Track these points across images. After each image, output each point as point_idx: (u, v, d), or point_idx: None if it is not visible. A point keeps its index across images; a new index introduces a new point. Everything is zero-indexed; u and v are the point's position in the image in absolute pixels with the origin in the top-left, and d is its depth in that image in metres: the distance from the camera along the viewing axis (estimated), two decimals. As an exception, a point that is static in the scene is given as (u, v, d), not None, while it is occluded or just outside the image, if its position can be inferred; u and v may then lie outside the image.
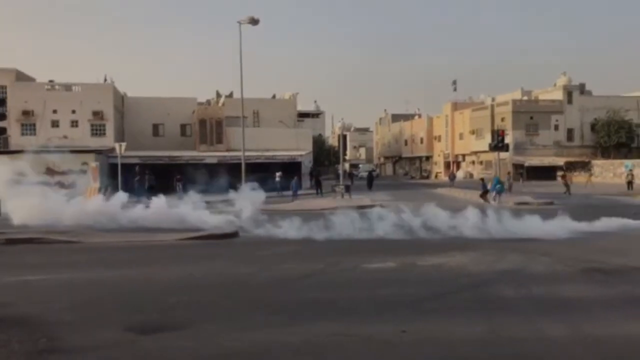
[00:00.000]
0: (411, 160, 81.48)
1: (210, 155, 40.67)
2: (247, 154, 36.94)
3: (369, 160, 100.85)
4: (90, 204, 18.11)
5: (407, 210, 16.70)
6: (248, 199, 18.12)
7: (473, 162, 64.55)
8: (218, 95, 53.20)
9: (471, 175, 62.43)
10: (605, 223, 15.46)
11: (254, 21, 36.01)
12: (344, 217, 16.26)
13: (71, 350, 6.07)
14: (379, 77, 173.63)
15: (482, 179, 30.75)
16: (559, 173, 44.90)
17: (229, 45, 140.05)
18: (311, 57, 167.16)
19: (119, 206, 17.49)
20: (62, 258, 11.93)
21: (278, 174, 36.90)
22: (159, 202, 17.52)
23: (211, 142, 43.40)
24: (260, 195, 19.36)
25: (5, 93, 38.87)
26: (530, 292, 8.44)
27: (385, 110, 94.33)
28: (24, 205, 17.00)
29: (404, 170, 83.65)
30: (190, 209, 16.94)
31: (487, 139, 59.24)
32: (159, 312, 7.55)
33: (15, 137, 39.07)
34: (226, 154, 40.49)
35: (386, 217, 16.67)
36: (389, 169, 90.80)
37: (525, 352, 5.86)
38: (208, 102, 53.34)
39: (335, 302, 7.92)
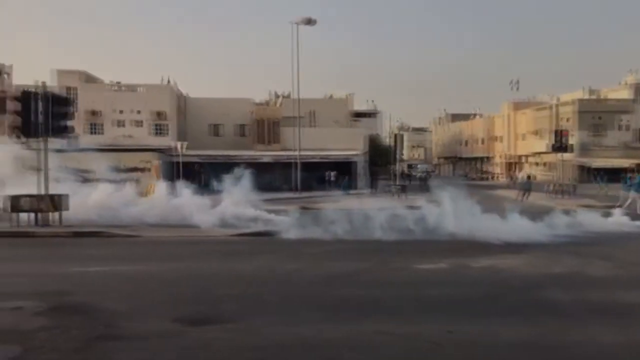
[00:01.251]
0: (470, 161, 79.78)
1: (267, 154, 41.29)
2: (301, 153, 37.35)
3: (426, 160, 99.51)
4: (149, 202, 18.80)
5: (464, 212, 16.37)
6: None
7: (536, 164, 62.46)
8: (275, 95, 53.95)
9: (533, 177, 60.48)
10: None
11: (309, 22, 36.35)
12: (395, 216, 16.15)
13: (124, 338, 6.34)
14: (437, 76, 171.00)
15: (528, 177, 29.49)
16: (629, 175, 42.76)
17: (287, 46, 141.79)
18: (368, 57, 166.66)
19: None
20: (121, 251, 12.47)
21: (332, 172, 37.07)
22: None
23: (267, 141, 44.08)
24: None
25: (75, 94, 40.98)
26: (585, 297, 8.13)
27: (444, 109, 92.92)
28: (90, 200, 17.89)
29: (462, 171, 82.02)
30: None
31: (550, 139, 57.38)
32: (207, 304, 7.77)
33: (84, 136, 41.06)
34: (281, 153, 41.00)
35: (439, 217, 16.43)
36: (447, 169, 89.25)
37: (575, 358, 5.65)
38: (266, 102, 54.18)
39: (381, 301, 7.89)
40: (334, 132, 45.74)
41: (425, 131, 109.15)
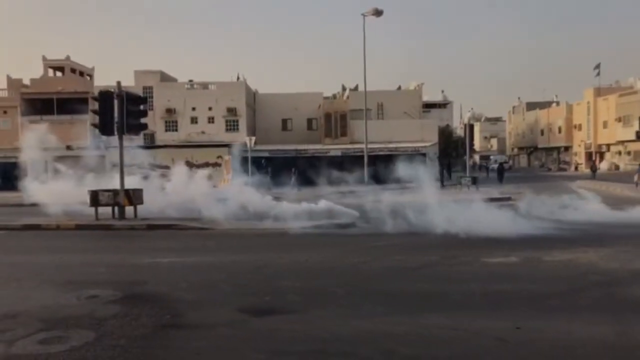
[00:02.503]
0: (548, 151, 76.29)
1: (335, 148, 41.39)
2: (370, 146, 37.11)
3: (501, 151, 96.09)
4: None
5: (539, 204, 15.71)
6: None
7: (619, 153, 58.81)
8: (343, 88, 53.86)
9: (617, 167, 56.94)
10: None
11: (377, 12, 35.96)
12: (466, 209, 15.68)
13: (190, 327, 6.53)
14: (512, 64, 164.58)
15: None
16: None
17: (356, 38, 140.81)
18: (439, 46, 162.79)
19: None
20: (193, 243, 12.86)
21: (401, 165, 36.50)
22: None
23: (336, 135, 44.14)
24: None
25: (152, 93, 42.82)
26: (671, 294, 7.52)
27: (519, 98, 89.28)
28: (165, 194, 18.63)
29: (539, 161, 78.56)
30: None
31: (636, 126, 53.71)
32: (272, 295, 7.85)
33: (160, 133, 42.94)
34: (350, 146, 40.97)
35: (512, 210, 15.80)
36: (523, 160, 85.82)
37: (658, 359, 5.23)
38: (334, 96, 54.22)
39: (447, 295, 7.66)
40: (403, 124, 45.10)
41: (500, 121, 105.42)
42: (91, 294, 7.93)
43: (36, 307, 7.39)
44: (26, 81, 44.92)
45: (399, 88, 55.14)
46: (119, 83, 16.02)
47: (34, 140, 21.90)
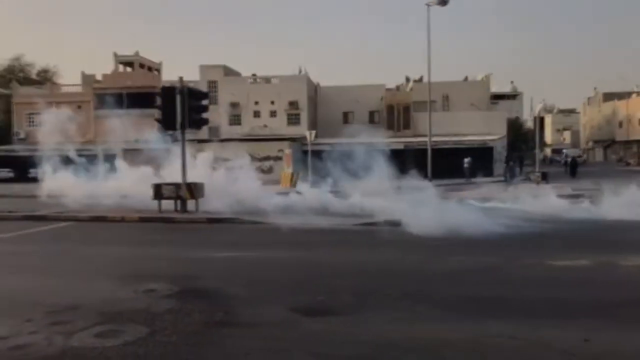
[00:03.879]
0: (626, 144, 71.96)
1: (397, 141, 40.74)
2: (434, 139, 36.21)
3: (574, 144, 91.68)
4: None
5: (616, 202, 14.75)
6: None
7: None
8: (407, 80, 52.94)
9: None
10: None
11: (442, 2, 34.98)
12: (534, 206, 14.97)
13: (242, 325, 6.49)
14: (587, 51, 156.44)
15: None
16: None
17: (421, 29, 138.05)
18: (508, 35, 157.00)
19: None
20: (251, 237, 12.95)
21: (467, 159, 35.49)
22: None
23: (398, 127, 43.49)
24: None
25: (216, 87, 43.78)
26: None
27: (595, 88, 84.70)
28: (227, 188, 18.89)
29: (617, 155, 74.27)
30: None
31: None
32: (325, 294, 7.70)
33: (224, 126, 43.82)
34: (412, 139, 40.19)
35: (585, 208, 14.93)
36: (598, 154, 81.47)
37: None
38: (397, 88, 53.40)
39: (507, 301, 7.24)
40: (469, 116, 43.79)
41: (573, 113, 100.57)
42: (148, 288, 8.06)
43: (96, 299, 7.58)
44: (98, 77, 47.11)
45: (466, 79, 53.57)
46: (181, 78, 16.35)
47: (106, 133, 22.86)
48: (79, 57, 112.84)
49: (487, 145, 40.02)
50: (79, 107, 43.59)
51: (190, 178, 16.98)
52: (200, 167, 19.49)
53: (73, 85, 48.37)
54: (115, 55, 47.09)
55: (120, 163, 22.41)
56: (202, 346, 5.80)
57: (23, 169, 33.27)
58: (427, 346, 5.60)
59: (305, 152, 34.19)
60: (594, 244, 11.60)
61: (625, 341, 5.64)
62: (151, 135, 22.55)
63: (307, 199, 17.40)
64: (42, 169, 22.30)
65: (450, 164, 35.25)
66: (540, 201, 16.87)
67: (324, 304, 7.28)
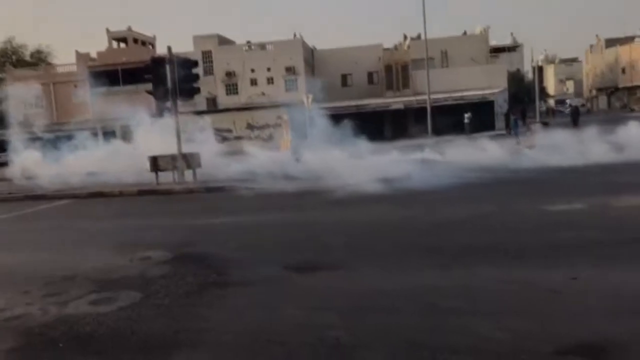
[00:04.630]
0: (630, 90, 71.04)
1: (396, 101, 40.39)
2: (434, 96, 35.87)
3: (578, 94, 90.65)
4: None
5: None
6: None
7: None
8: (405, 38, 52.12)
9: None
10: None
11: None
12: (530, 155, 14.91)
13: (234, 284, 6.56)
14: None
15: None
16: None
17: None
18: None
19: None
20: (246, 203, 12.97)
21: (466, 115, 35.22)
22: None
23: (397, 87, 43.08)
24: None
25: (211, 57, 43.32)
26: None
27: (596, 35, 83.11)
28: (224, 157, 18.92)
29: (620, 102, 73.43)
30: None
31: None
32: (317, 252, 7.77)
33: (221, 97, 43.53)
34: (412, 98, 39.81)
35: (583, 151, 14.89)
36: (602, 102, 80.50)
37: None
38: (395, 47, 52.64)
39: (499, 247, 7.25)
40: (468, 72, 43.21)
41: (576, 62, 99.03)
42: (143, 256, 8.14)
43: (92, 269, 7.68)
44: (93, 55, 46.67)
45: (465, 33, 52.67)
46: (169, 48, 16.14)
47: (102, 111, 22.82)
48: (71, 36, 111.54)
49: (488, 100, 39.59)
50: (75, 86, 43.39)
51: (189, 149, 17.02)
52: (200, 138, 19.51)
53: (67, 64, 47.97)
54: (108, 31, 46.53)
55: (119, 138, 22.41)
56: (194, 307, 5.87)
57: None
58: (416, 293, 5.64)
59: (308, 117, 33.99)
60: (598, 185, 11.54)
61: (612, 278, 5.67)
62: (149, 110, 22.53)
63: (307, 164, 17.28)
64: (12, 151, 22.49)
65: (452, 120, 35.02)
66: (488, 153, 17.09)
67: (316, 260, 7.33)
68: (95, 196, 15.84)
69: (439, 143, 22.44)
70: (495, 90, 40.55)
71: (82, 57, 46.10)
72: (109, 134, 25.58)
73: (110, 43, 47.07)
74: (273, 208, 12.09)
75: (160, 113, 19.35)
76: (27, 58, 55.04)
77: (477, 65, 45.39)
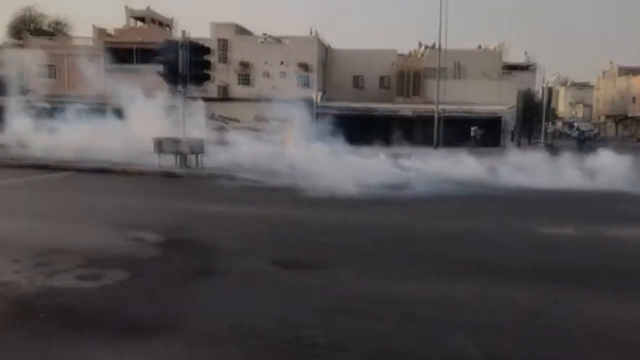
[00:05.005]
0: (638, 120, 70.84)
1: (406, 107, 40.36)
2: (444, 107, 35.85)
3: (587, 119, 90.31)
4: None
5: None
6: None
7: None
8: (420, 46, 52.06)
9: None
10: None
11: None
12: (530, 173, 14.97)
13: (220, 275, 6.64)
14: (605, 23, 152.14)
15: None
16: None
17: None
18: (525, 3, 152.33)
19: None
20: (245, 194, 13.04)
21: (473, 128, 35.26)
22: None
23: (408, 94, 43.02)
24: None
25: (227, 46, 43.29)
26: None
27: (610, 62, 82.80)
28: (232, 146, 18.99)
29: (628, 131, 73.18)
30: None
31: None
32: (307, 250, 7.84)
33: (233, 86, 43.52)
34: (422, 106, 39.77)
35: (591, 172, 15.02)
36: (610, 129, 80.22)
37: None
38: (409, 53, 52.62)
39: (486, 263, 7.30)
40: (480, 85, 43.09)
41: (588, 87, 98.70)
42: (136, 236, 8.23)
43: (84, 243, 7.78)
44: (111, 31, 46.81)
45: (479, 47, 52.54)
46: (183, 33, 16.23)
47: (113, 87, 22.89)
48: (91, 9, 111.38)
49: (496, 116, 39.54)
50: (90, 60, 43.41)
51: (195, 135, 17.15)
52: (207, 124, 19.60)
53: (84, 37, 48.05)
54: (127, 8, 46.65)
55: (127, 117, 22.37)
56: (178, 292, 5.95)
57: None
58: (395, 301, 5.71)
59: (314, 115, 34.08)
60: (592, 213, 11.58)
61: (594, 304, 5.72)
62: (161, 91, 22.58)
63: (308, 162, 17.27)
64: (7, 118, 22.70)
65: (460, 132, 35.08)
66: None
67: (304, 258, 7.41)
68: (98, 172, 15.95)
69: (434, 154, 22.41)
70: (504, 107, 40.49)
71: (99, 33, 46.21)
72: (117, 111, 25.56)
73: (128, 20, 47.17)
74: (272, 201, 12.16)
75: (172, 95, 19.36)
76: (45, 27, 55.19)
77: (489, 80, 45.29)
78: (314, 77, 43.54)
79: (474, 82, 43.83)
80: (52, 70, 43.99)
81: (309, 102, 37.39)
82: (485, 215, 11.00)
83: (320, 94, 30.70)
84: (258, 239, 8.50)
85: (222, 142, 20.52)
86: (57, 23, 57.50)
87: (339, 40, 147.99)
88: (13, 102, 24.38)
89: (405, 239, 8.79)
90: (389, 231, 9.35)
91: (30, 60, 39.55)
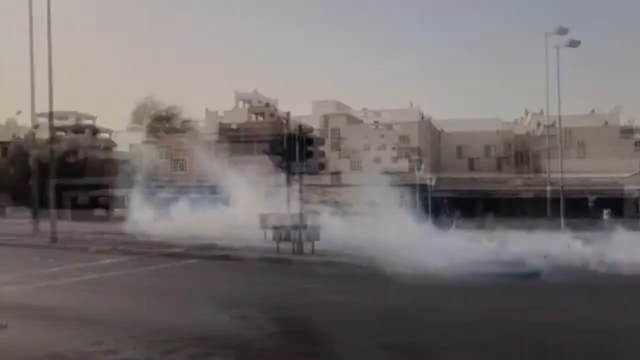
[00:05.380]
0: None
1: (525, 189, 38.79)
2: (566, 187, 34.01)
3: None
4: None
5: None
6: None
7: None
8: (526, 113, 50.96)
9: None
10: None
11: (574, 43, 33.36)
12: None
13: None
14: None
15: None
16: None
17: (537, 59, 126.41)
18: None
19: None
20: (360, 284, 12.76)
21: (591, 197, 32.91)
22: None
23: (526, 172, 41.53)
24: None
25: (338, 134, 45.21)
26: None
27: None
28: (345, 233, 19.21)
29: None
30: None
31: None
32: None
33: (345, 171, 44.86)
34: (541, 188, 38.02)
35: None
36: None
37: None
38: (515, 121, 51.55)
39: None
40: (601, 159, 40.68)
41: None
42: (243, 318, 8.56)
43: (196, 325, 8.21)
44: (220, 113, 51.62)
45: (592, 112, 50.17)
46: (300, 127, 17.27)
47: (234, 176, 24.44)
48: (203, 94, 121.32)
49: (630, 196, 36.66)
50: (203, 142, 47.39)
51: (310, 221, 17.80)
52: (321, 210, 20.17)
53: (208, 133, 52.59)
54: (236, 92, 51.24)
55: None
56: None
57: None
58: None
59: (425, 198, 33.90)
60: None
61: None
62: (272, 175, 23.76)
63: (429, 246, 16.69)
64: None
65: (579, 204, 33.15)
66: None
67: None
68: (220, 259, 16.86)
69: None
70: (626, 175, 37.51)
71: (211, 115, 50.84)
72: (235, 198, 26.94)
73: (237, 103, 51.62)
74: (383, 291, 11.77)
75: (287, 181, 20.34)
76: (163, 113, 60.88)
77: (609, 154, 42.66)
78: (426, 160, 43.68)
79: (594, 159, 41.66)
80: (178, 163, 48.30)
81: (422, 184, 37.28)
82: None
83: (434, 178, 30.62)
84: (365, 326, 8.38)
85: (335, 227, 20.79)
86: (173, 108, 62.98)
87: (436, 109, 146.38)
88: (138, 193, 26.84)
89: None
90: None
91: (157, 153, 43.83)
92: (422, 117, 47.89)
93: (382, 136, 44.73)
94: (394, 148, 44.35)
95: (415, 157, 44.00)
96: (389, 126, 45.67)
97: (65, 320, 8.71)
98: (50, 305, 9.90)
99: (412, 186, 37.35)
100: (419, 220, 25.60)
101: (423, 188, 36.41)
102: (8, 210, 44.84)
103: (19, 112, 37.10)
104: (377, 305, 10.08)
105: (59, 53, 25.32)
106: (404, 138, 44.28)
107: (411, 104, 48.46)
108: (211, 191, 28.49)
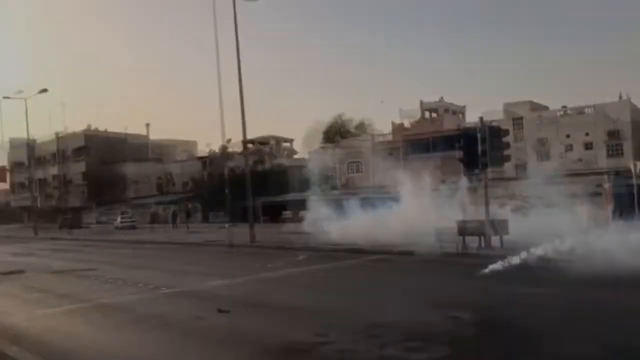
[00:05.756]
0: None
1: None
2: None
3: None
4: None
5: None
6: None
7: None
8: None
9: None
10: None
11: None
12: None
13: (543, 356, 6.41)
14: None
15: None
16: None
17: None
18: None
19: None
20: (556, 275, 12.10)
21: None
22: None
23: None
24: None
25: (522, 124, 42.63)
26: None
27: None
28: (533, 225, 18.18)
29: None
30: None
31: None
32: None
33: (531, 163, 42.13)
34: None
35: None
36: None
37: None
38: None
39: None
40: None
41: None
42: (452, 315, 8.56)
43: (404, 320, 8.44)
44: (406, 124, 51.46)
45: None
46: (481, 119, 16.76)
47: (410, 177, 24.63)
48: (389, 106, 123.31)
49: None
50: (390, 153, 47.99)
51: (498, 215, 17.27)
52: (507, 204, 19.40)
53: (383, 134, 53.52)
54: (422, 103, 50.64)
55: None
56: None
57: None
58: None
59: (629, 187, 30.23)
60: None
61: None
62: (458, 176, 23.38)
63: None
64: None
65: None
66: None
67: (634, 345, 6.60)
68: (405, 254, 17.16)
69: None
70: None
71: (397, 128, 51.04)
72: (414, 198, 27.00)
73: (422, 113, 50.99)
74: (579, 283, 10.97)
75: (469, 179, 19.98)
76: (352, 129, 63.42)
77: None
78: (627, 144, 39.17)
79: None
80: (356, 165, 49.91)
81: (625, 172, 33.43)
82: None
83: (638, 163, 27.18)
84: (584, 323, 7.90)
85: (523, 221, 19.77)
86: (362, 124, 65.41)
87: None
88: (316, 195, 28.26)
89: None
90: None
91: (337, 157, 45.73)
92: (621, 97, 42.76)
93: (587, 134, 40.89)
94: (587, 134, 40.40)
95: (613, 142, 39.64)
96: (580, 110, 41.56)
97: (283, 311, 9.75)
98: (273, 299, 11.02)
99: (611, 174, 33.78)
100: (619, 212, 23.19)
101: (626, 176, 32.62)
102: (210, 215, 50.75)
103: (228, 140, 42.46)
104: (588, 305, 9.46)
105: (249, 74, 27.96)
106: (599, 124, 40.13)
107: (620, 97, 42.98)
108: (388, 193, 28.96)
